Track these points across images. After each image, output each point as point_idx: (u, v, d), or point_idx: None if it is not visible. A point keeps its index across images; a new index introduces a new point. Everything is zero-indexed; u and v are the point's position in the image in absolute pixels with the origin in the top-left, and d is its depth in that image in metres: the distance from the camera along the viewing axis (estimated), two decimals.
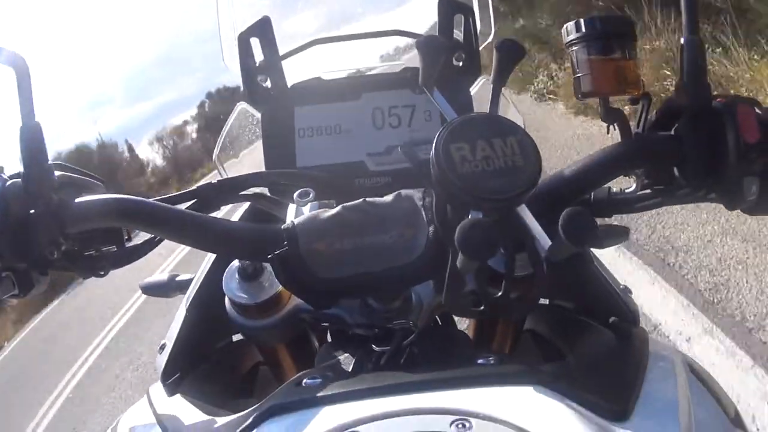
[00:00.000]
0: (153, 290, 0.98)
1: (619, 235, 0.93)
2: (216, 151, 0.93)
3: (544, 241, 0.48)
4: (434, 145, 0.48)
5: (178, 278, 0.95)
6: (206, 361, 0.77)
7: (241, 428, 0.50)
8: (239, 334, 0.83)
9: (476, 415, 0.45)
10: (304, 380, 0.55)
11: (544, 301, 0.81)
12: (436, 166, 0.48)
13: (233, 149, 0.96)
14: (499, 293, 0.52)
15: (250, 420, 0.50)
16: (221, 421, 0.55)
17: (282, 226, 0.59)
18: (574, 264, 0.75)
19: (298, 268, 0.56)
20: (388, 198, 0.59)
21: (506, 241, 0.49)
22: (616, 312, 0.71)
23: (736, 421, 0.60)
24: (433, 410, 0.46)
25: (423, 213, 0.56)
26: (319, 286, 0.57)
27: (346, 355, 0.61)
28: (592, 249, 0.78)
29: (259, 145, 0.88)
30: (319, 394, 0.50)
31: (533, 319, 0.81)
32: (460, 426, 0.44)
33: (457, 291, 0.52)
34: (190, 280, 0.86)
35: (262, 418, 0.50)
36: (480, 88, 0.86)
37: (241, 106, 0.95)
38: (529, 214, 0.48)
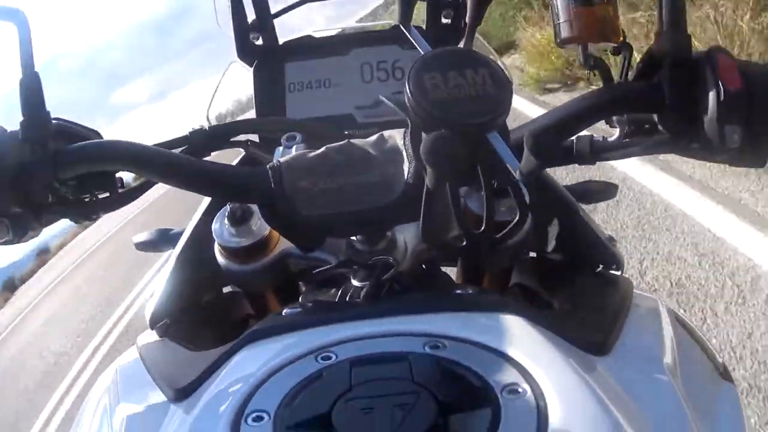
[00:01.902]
0: (146, 245, 1.00)
1: (607, 191, 0.95)
2: (208, 107, 0.95)
3: (514, 163, 0.49)
4: (408, 74, 0.49)
5: (170, 233, 0.97)
6: (195, 311, 0.79)
7: (222, 357, 0.52)
8: (228, 286, 0.85)
9: (451, 337, 0.46)
10: (285, 310, 0.56)
11: (532, 254, 0.82)
12: (410, 94, 0.49)
13: (225, 106, 0.97)
14: (482, 229, 0.53)
15: (229, 350, 0.52)
16: (204, 355, 0.57)
17: (268, 165, 0.60)
18: (561, 216, 0.76)
19: (284, 207, 0.58)
20: (372, 138, 0.60)
21: (480, 167, 0.50)
22: (601, 260, 0.72)
23: (725, 374, 0.61)
24: (408, 332, 0.48)
25: (404, 152, 0.58)
26: (304, 225, 0.58)
27: (330, 291, 0.63)
28: (580, 203, 0.80)
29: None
30: (294, 322, 0.52)
31: (520, 272, 0.82)
32: (434, 347, 0.45)
33: (432, 215, 0.53)
34: (181, 234, 0.88)
35: (241, 345, 0.51)
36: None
37: (233, 63, 0.96)
38: (500, 140, 0.49)
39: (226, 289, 0.86)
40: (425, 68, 0.49)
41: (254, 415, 0.40)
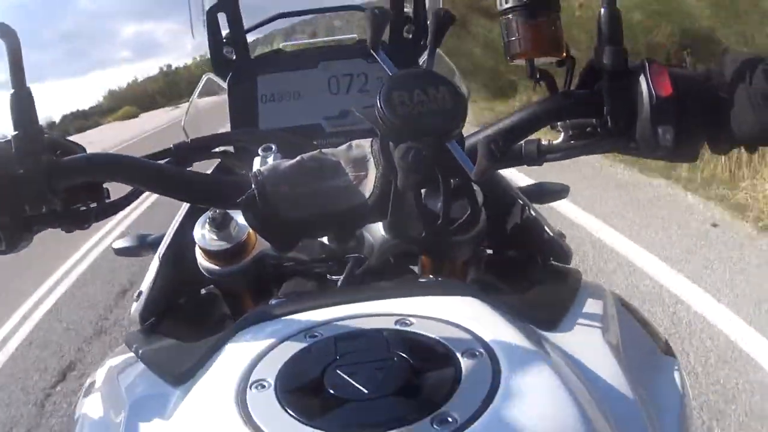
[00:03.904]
0: (126, 251, 1.03)
1: (559, 192, 1.02)
2: (183, 118, 0.99)
3: (470, 166, 0.56)
4: (379, 92, 0.57)
5: (148, 238, 1.01)
6: (177, 310, 0.83)
7: (216, 344, 0.57)
8: (205, 288, 0.89)
9: (417, 316, 0.54)
10: (271, 301, 0.62)
11: (488, 251, 0.89)
12: (381, 109, 0.56)
13: (199, 116, 1.02)
14: (439, 222, 0.60)
15: (222, 337, 0.57)
16: (197, 345, 0.62)
17: (249, 174, 0.65)
18: (514, 214, 0.84)
19: (266, 210, 0.63)
20: (342, 147, 0.66)
21: (441, 171, 0.58)
22: (552, 254, 0.80)
23: (666, 350, 0.68)
24: (381, 313, 0.55)
25: (372, 159, 0.64)
26: (283, 227, 0.64)
27: (306, 285, 0.69)
28: (533, 203, 0.87)
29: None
30: (281, 309, 0.58)
31: (477, 268, 0.89)
32: (403, 324, 0.53)
33: (399, 213, 0.60)
34: (160, 239, 0.92)
35: (233, 333, 0.57)
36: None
37: (208, 76, 1.01)
38: (458, 148, 0.57)
39: (204, 290, 0.91)
40: (394, 87, 0.57)
41: (257, 384, 0.47)
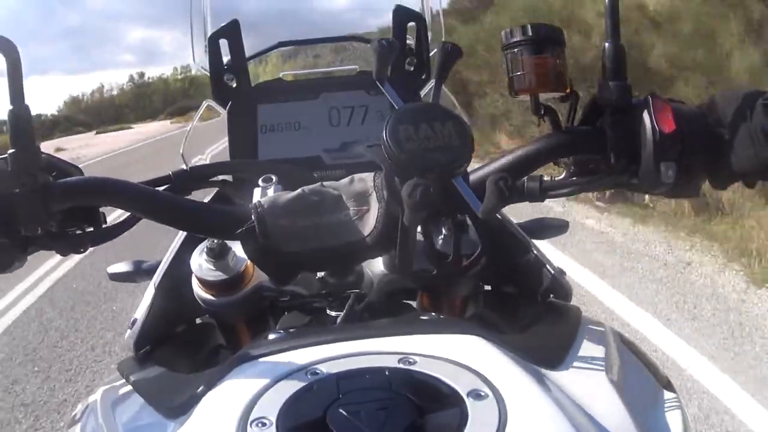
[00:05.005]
0: (121, 277, 1.02)
1: (558, 227, 1.02)
2: (183, 145, 0.99)
3: (476, 205, 0.56)
4: (385, 126, 0.56)
5: (144, 265, 1.00)
6: (172, 340, 0.82)
7: (214, 377, 0.55)
8: (200, 317, 0.88)
9: (420, 354, 0.53)
10: (269, 336, 0.61)
11: (486, 287, 0.88)
12: (386, 144, 0.56)
13: (199, 143, 1.02)
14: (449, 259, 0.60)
15: (221, 370, 0.56)
16: (195, 377, 0.60)
17: (250, 205, 0.65)
18: (515, 251, 0.83)
19: (265, 243, 0.62)
20: (343, 181, 0.66)
21: (447, 207, 0.57)
22: (552, 291, 0.79)
23: (667, 386, 0.67)
24: (383, 351, 0.54)
25: (374, 193, 0.64)
26: (282, 260, 0.63)
27: (305, 322, 0.68)
28: (532, 240, 0.87)
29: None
30: (282, 344, 0.57)
31: (476, 304, 0.88)
32: (406, 362, 0.52)
33: (407, 250, 0.59)
34: (156, 265, 0.91)
35: (232, 366, 0.56)
36: (431, 91, 0.94)
37: (208, 102, 1.00)
38: (464, 184, 0.56)
39: (198, 320, 0.89)
40: (399, 121, 0.57)
41: (258, 422, 0.46)
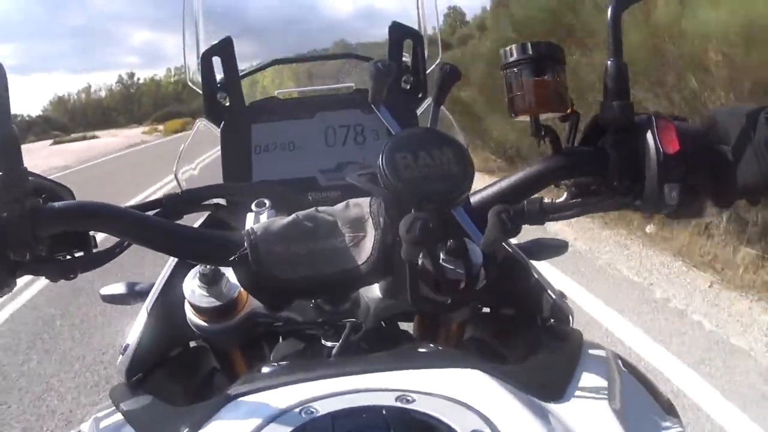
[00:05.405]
0: (113, 299, 1.00)
1: (557, 248, 1.00)
2: (176, 164, 0.97)
3: (477, 236, 0.54)
4: (382, 154, 0.54)
5: (137, 287, 0.98)
6: (165, 365, 0.80)
7: (206, 413, 0.54)
8: (194, 341, 0.86)
9: (418, 392, 0.51)
10: (262, 369, 0.59)
11: (486, 309, 0.87)
12: (383, 172, 0.54)
13: (192, 163, 1.00)
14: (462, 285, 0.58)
15: (214, 405, 0.54)
16: (187, 411, 0.58)
17: (242, 231, 0.63)
18: (514, 273, 0.81)
19: (258, 270, 0.61)
20: (339, 206, 0.64)
21: (446, 237, 0.55)
22: (552, 315, 0.77)
23: (670, 410, 0.66)
24: (380, 388, 0.52)
25: (370, 219, 0.62)
26: (276, 287, 0.61)
27: (299, 350, 0.66)
28: (531, 260, 0.85)
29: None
30: (276, 380, 0.55)
31: (475, 327, 0.86)
32: (404, 400, 0.50)
33: (404, 279, 0.58)
34: (149, 288, 0.89)
35: (225, 402, 0.54)
36: (427, 109, 0.92)
37: (201, 122, 0.99)
38: (464, 215, 0.54)
39: (192, 343, 0.87)
40: (397, 148, 0.55)
41: None
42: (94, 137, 37.18)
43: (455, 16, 25.91)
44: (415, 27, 0.93)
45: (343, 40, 1.13)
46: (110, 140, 31.61)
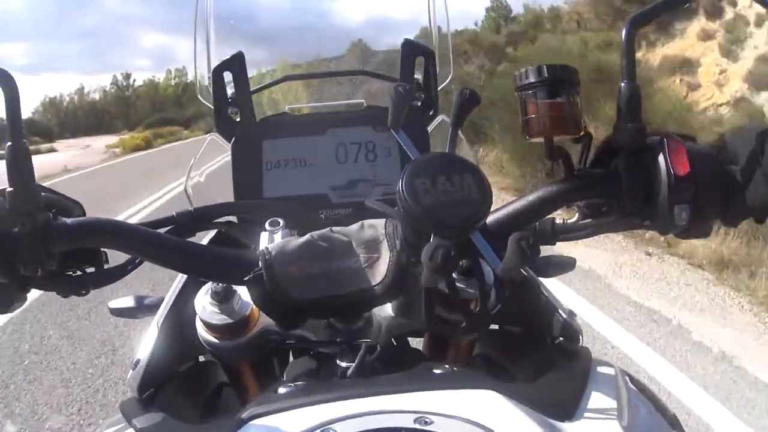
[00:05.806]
0: (122, 312, 1.00)
1: (565, 265, 1.00)
2: (186, 180, 0.97)
3: (495, 261, 0.54)
4: (401, 179, 0.55)
5: (146, 301, 0.98)
6: (175, 380, 0.80)
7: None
8: (203, 356, 0.86)
9: (436, 413, 0.51)
10: (278, 389, 0.59)
11: (494, 326, 0.87)
12: (403, 198, 0.54)
13: (202, 178, 1.00)
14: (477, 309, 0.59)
15: (231, 427, 0.54)
16: (200, 428, 0.58)
17: (257, 251, 0.63)
18: (524, 291, 0.81)
19: (273, 290, 0.61)
20: (353, 227, 0.64)
21: (463, 258, 0.56)
22: (561, 333, 0.77)
23: (675, 424, 0.66)
24: (399, 410, 0.52)
25: (385, 241, 0.62)
26: (291, 307, 0.62)
27: (313, 369, 0.66)
28: (539, 277, 0.85)
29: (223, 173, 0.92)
30: (294, 400, 0.55)
31: (484, 344, 0.86)
32: (422, 422, 0.50)
33: (432, 304, 0.59)
34: (158, 302, 0.89)
35: (242, 423, 0.54)
36: (438, 126, 0.92)
37: (212, 136, 0.99)
38: (482, 240, 0.55)
39: (201, 357, 0.87)
40: (416, 173, 0.55)
41: None
42: (51, 150, 30.86)
43: (499, 11, 23.50)
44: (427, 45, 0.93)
45: (353, 52, 1.14)
46: (59, 157, 22.84)
